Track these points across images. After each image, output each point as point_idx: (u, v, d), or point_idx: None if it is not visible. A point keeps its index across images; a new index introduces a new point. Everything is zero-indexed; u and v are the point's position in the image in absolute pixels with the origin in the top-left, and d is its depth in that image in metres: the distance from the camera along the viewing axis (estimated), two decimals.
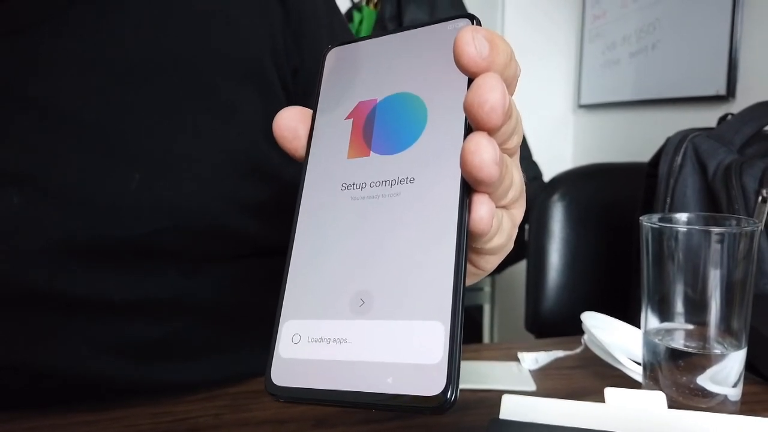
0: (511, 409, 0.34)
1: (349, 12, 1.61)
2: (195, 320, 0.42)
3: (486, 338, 1.83)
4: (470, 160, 0.19)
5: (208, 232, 0.40)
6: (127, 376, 0.41)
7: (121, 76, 0.37)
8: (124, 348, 0.40)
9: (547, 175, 1.16)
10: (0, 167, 0.35)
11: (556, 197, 0.91)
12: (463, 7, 1.48)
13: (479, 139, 0.19)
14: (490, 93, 0.19)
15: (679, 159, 0.69)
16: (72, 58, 0.37)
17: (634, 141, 1.47)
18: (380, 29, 1.50)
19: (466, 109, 0.19)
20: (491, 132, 0.20)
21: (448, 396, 0.17)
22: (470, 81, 0.21)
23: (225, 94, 0.40)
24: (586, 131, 1.73)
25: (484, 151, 0.19)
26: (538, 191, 0.96)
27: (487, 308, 1.82)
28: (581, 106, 1.73)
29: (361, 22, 1.56)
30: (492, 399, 0.42)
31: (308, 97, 0.44)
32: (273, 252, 0.44)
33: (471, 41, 0.19)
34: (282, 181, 0.43)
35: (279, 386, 0.20)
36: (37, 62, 0.36)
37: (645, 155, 0.84)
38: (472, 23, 0.23)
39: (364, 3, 1.61)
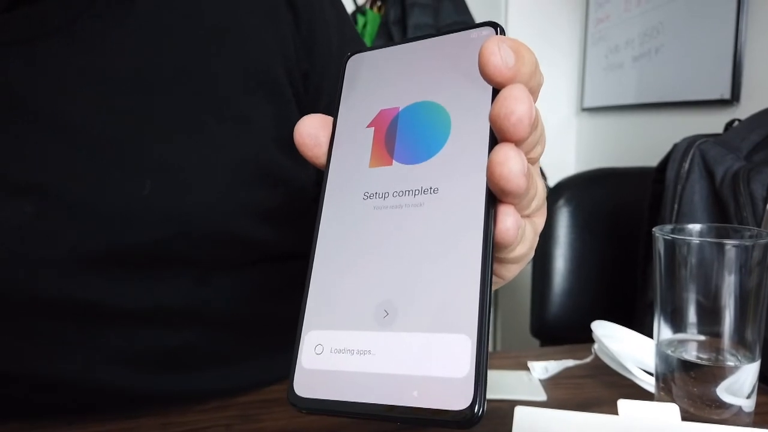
0: (524, 421, 0.34)
1: (353, 15, 1.61)
2: (207, 329, 0.42)
3: (490, 343, 1.83)
4: (498, 171, 0.19)
5: (219, 239, 0.40)
6: (138, 385, 0.41)
7: (131, 85, 0.37)
8: (136, 357, 0.40)
9: (551, 176, 1.16)
10: (12, 177, 0.35)
11: (561, 202, 0.91)
12: (467, 11, 1.48)
13: (507, 151, 0.19)
14: (516, 104, 0.19)
15: (686, 165, 0.69)
16: (83, 69, 0.37)
17: (638, 144, 1.47)
18: (384, 33, 1.50)
19: (492, 121, 0.19)
20: (517, 143, 0.19)
21: (476, 410, 0.17)
22: (494, 90, 0.21)
23: (235, 101, 0.40)
24: (590, 134, 1.73)
25: (513, 163, 0.19)
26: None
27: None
28: (584, 110, 1.73)
29: (365, 25, 1.56)
30: (503, 409, 0.42)
31: (319, 102, 0.44)
32: (285, 257, 0.44)
33: (497, 51, 0.19)
34: (293, 187, 0.43)
35: (302, 397, 0.20)
36: (48, 74, 0.36)
37: (648, 159, 0.84)
38: (496, 32, 0.22)
39: (368, 6, 1.61)
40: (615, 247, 0.90)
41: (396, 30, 1.44)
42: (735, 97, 1.13)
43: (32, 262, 0.35)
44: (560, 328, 0.88)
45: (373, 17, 1.57)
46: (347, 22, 0.49)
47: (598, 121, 1.68)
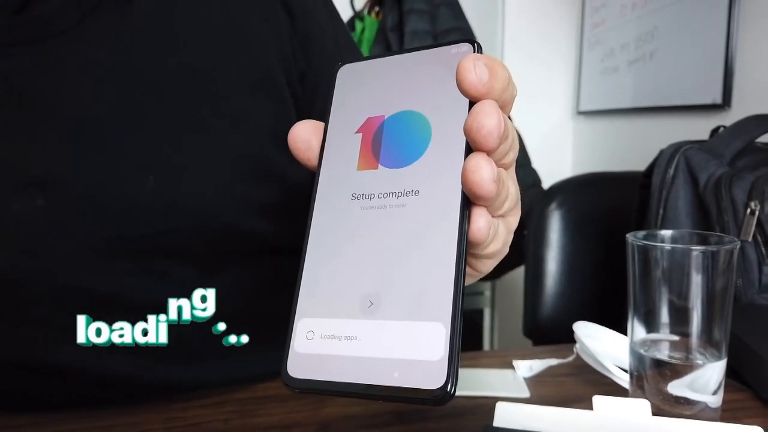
0: (504, 415, 0.36)
1: (351, 21, 1.63)
2: (210, 321, 0.44)
3: (486, 341, 1.85)
4: (471, 179, 0.21)
5: (220, 232, 0.42)
6: (143, 375, 0.43)
7: (135, 83, 0.39)
8: (142, 347, 0.42)
9: (547, 179, 1.18)
10: (24, 172, 0.37)
11: (553, 206, 0.93)
12: (464, 17, 1.50)
13: (479, 159, 0.21)
14: (486, 119, 0.21)
15: (671, 171, 0.71)
16: (91, 67, 0.39)
17: (632, 147, 1.49)
18: (382, 39, 1.52)
19: (466, 132, 0.22)
20: (489, 152, 0.22)
21: (448, 389, 0.20)
22: (471, 102, 0.23)
23: (235, 100, 0.42)
24: (586, 137, 1.75)
25: (484, 170, 0.21)
26: (537, 198, 0.98)
27: (487, 312, 1.84)
28: (580, 113, 1.75)
29: (362, 31, 1.59)
30: (488, 405, 0.44)
31: (315, 102, 0.46)
32: (284, 252, 0.46)
33: (472, 68, 0.22)
34: (289, 183, 0.45)
35: (294, 378, 0.22)
36: (56, 72, 0.38)
37: (642, 162, 0.86)
38: (474, 49, 0.25)
39: (366, 12, 1.63)
40: (606, 250, 0.92)
41: (393, 36, 1.46)
42: (726, 101, 1.15)
43: (44, 254, 0.38)
44: (552, 329, 0.90)
45: (371, 23, 1.59)
46: (342, 30, 0.51)
47: (594, 125, 1.70)
